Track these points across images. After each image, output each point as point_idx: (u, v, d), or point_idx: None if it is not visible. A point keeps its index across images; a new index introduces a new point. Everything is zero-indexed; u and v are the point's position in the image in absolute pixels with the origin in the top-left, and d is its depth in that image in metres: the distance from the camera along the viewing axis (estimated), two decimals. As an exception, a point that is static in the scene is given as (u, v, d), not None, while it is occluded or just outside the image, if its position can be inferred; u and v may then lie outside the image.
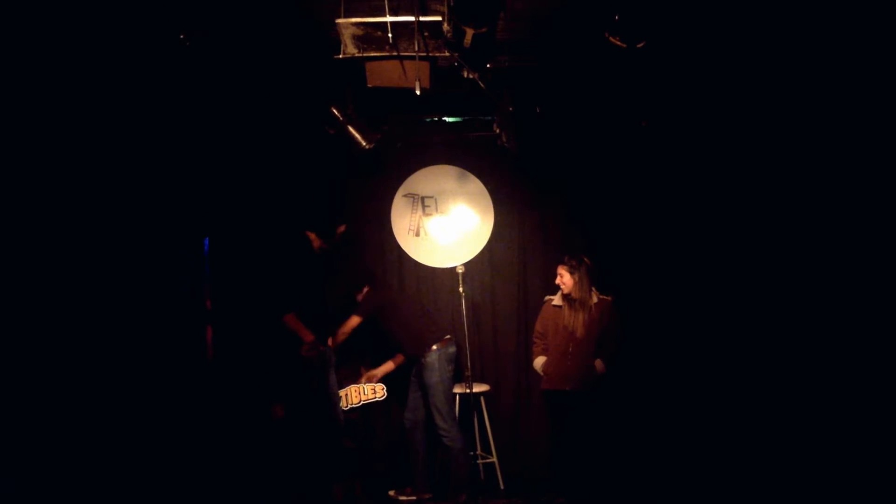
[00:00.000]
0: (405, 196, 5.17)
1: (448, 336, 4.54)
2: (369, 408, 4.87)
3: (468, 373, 4.30)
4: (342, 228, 4.58)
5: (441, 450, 4.62)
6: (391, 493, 4.69)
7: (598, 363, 4.42)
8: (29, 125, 3.48)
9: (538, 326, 4.64)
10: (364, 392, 4.83)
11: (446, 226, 5.12)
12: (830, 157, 4.03)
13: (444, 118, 5.00)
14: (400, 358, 4.70)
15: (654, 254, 4.91)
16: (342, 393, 4.70)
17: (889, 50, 3.54)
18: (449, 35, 3.23)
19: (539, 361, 4.55)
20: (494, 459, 4.79)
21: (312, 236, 4.50)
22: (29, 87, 3.42)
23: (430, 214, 5.15)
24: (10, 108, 3.39)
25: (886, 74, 3.61)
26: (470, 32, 3.14)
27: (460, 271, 4.40)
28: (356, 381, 4.81)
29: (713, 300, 4.70)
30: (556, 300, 4.56)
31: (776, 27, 3.60)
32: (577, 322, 4.43)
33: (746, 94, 4.28)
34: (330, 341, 4.50)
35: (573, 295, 4.46)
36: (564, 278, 4.45)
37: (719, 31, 3.69)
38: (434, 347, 4.44)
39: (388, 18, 3.26)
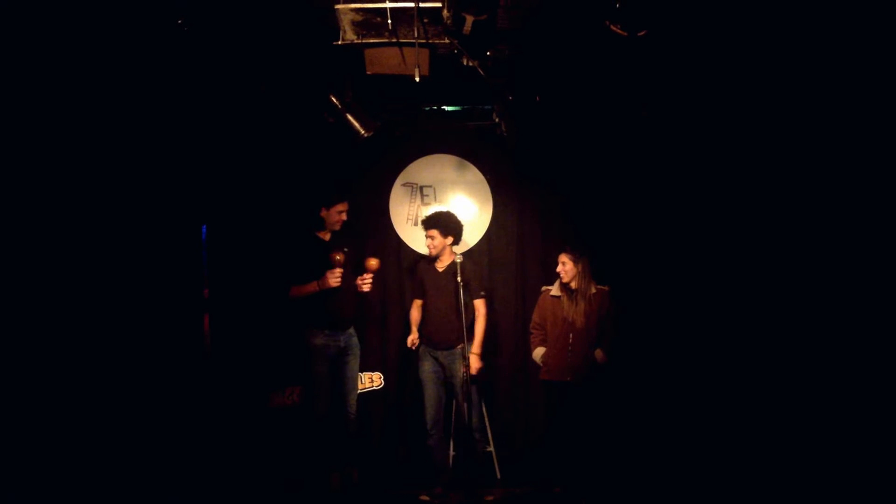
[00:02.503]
0: (404, 185, 5.16)
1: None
2: (366, 397, 4.88)
3: (466, 362, 4.29)
4: (339, 207, 4.42)
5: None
6: (423, 497, 4.47)
7: (599, 353, 4.42)
8: (24, 110, 3.45)
9: (536, 317, 4.63)
10: (361, 381, 4.83)
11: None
12: (829, 152, 4.01)
13: (444, 107, 4.98)
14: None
15: (653, 244, 4.90)
16: None
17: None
18: (449, 22, 3.22)
19: (539, 352, 4.54)
20: (491, 448, 4.79)
21: (321, 234, 4.46)
22: (24, 71, 3.40)
23: (429, 203, 5.14)
24: (5, 94, 3.37)
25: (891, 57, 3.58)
26: (470, 19, 3.13)
27: (458, 261, 4.39)
28: None
29: (712, 291, 4.68)
30: (555, 290, 4.55)
31: (779, 16, 3.58)
32: (577, 313, 4.42)
33: (748, 85, 4.26)
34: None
35: (573, 285, 4.45)
36: (567, 266, 4.43)
37: (721, 20, 3.66)
38: (461, 344, 4.40)
39: (388, 4, 3.23)
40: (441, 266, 4.57)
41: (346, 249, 4.41)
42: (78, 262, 3.72)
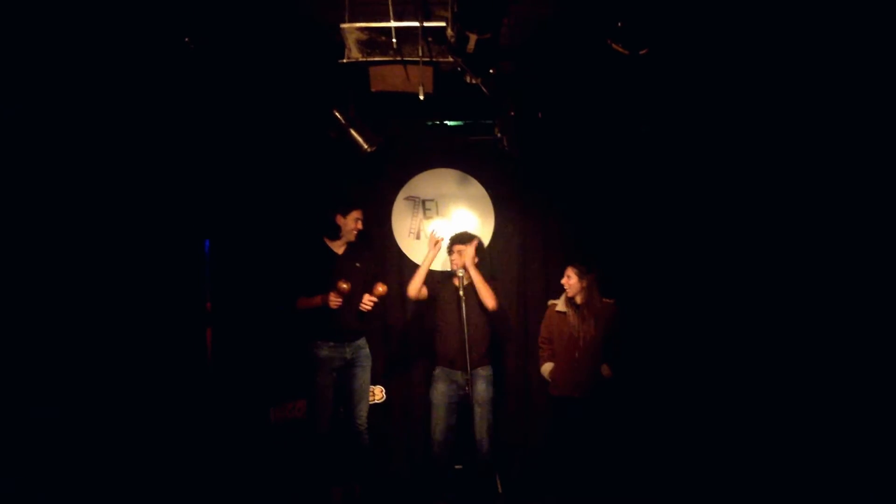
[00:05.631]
0: (406, 199, 5.18)
1: None
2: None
3: (467, 376, 4.29)
4: (355, 214, 4.43)
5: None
6: None
7: (605, 368, 4.43)
8: (33, 125, 3.48)
9: (544, 332, 4.62)
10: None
11: (447, 229, 5.13)
12: (830, 162, 4.05)
13: (446, 122, 5.01)
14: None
15: (655, 258, 4.92)
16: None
17: (887, 57, 3.56)
18: (452, 40, 3.24)
19: (547, 368, 4.54)
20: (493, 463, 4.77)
21: (327, 240, 4.47)
22: (34, 89, 3.43)
23: (431, 217, 5.16)
24: (15, 108, 3.40)
25: (885, 85, 3.63)
26: (473, 38, 3.14)
27: (460, 275, 4.40)
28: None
29: (716, 304, 4.71)
30: (560, 305, 4.55)
31: (778, 35, 3.62)
32: (583, 328, 4.42)
33: (747, 101, 4.30)
34: None
35: (578, 299, 4.46)
36: (571, 280, 4.44)
37: (721, 40, 3.70)
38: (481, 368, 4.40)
39: (393, 24, 3.27)
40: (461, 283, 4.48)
41: (358, 265, 4.42)
42: (84, 275, 3.74)
